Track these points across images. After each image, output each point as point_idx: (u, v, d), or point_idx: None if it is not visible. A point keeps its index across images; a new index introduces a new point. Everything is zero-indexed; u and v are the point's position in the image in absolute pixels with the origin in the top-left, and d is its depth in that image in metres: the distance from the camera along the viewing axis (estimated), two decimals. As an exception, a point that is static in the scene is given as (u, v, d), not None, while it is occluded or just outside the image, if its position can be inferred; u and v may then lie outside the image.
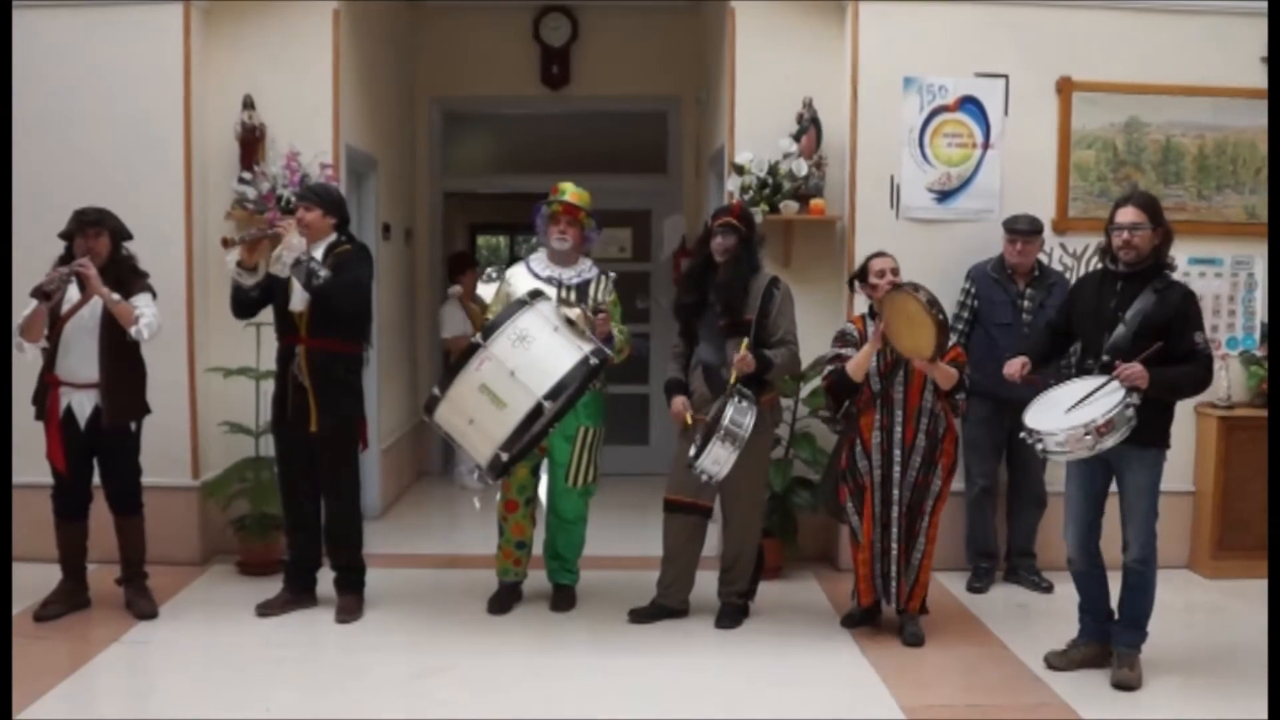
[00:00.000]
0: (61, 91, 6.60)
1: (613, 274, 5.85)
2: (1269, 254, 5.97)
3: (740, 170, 6.50)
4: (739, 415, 5.19)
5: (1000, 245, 6.25)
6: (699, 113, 9.01)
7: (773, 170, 6.47)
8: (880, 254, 5.50)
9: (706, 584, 5.85)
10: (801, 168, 6.44)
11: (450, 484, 9.30)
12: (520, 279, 5.79)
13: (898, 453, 5.31)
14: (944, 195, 6.53)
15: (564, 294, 5.68)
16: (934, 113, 6.51)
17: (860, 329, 5.43)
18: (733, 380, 5.34)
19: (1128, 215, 4.82)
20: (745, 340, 5.40)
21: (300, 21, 6.80)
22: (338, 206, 5.73)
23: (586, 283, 5.80)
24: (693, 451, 5.31)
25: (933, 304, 4.97)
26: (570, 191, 5.79)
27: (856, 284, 5.64)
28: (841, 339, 5.49)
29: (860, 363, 5.30)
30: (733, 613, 5.68)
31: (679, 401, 5.66)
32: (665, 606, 5.77)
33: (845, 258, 6.56)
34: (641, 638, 5.54)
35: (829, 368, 5.47)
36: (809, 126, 6.54)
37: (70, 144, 6.57)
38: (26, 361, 5.64)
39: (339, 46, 6.83)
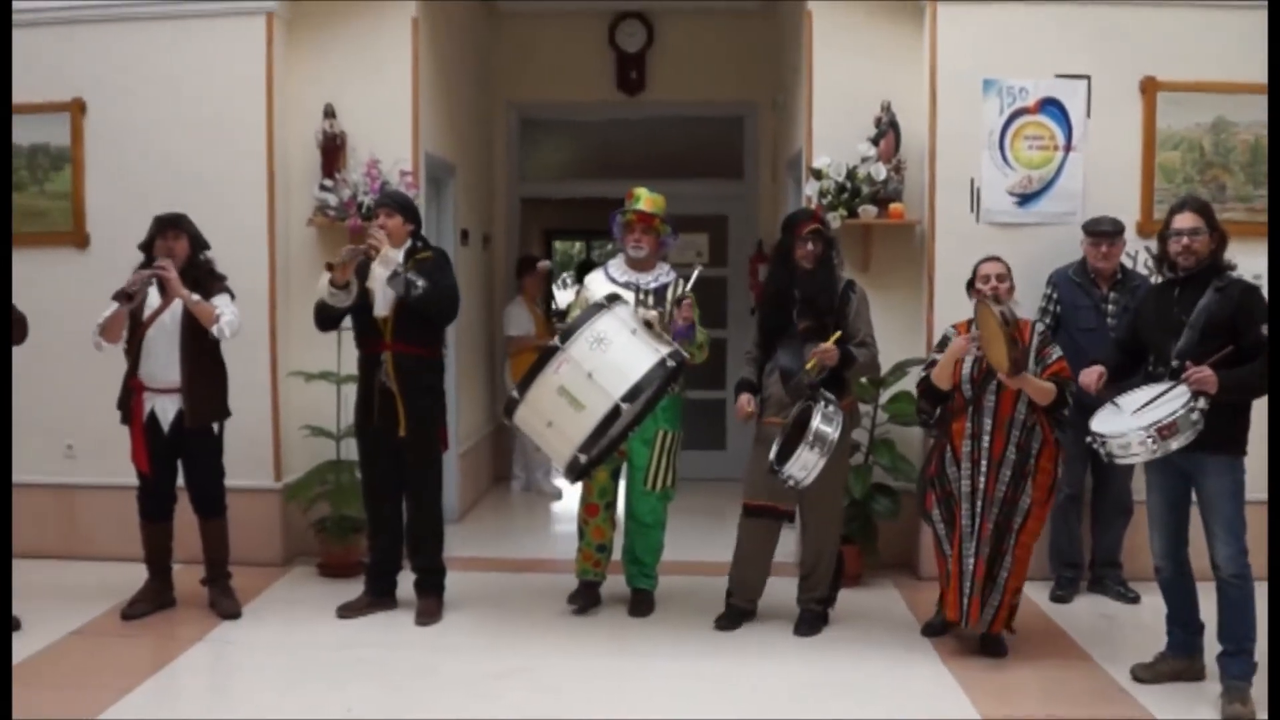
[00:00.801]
0: (151, 101, 6.75)
1: (698, 268, 5.82)
2: (1269, 254, 5.84)
3: (818, 175, 6.47)
4: (827, 421, 5.16)
5: (1082, 249, 6.16)
6: (775, 117, 8.98)
7: (851, 174, 6.42)
8: (991, 258, 5.40)
9: (784, 590, 5.82)
10: (880, 172, 6.40)
11: (523, 489, 9.35)
12: (598, 284, 5.81)
13: (985, 463, 5.17)
14: (1025, 198, 6.44)
15: (642, 298, 5.69)
16: (1014, 115, 6.43)
17: (963, 334, 5.35)
18: (809, 367, 5.31)
19: (1186, 221, 4.76)
20: (836, 334, 5.38)
21: (380, 30, 6.88)
22: (415, 214, 5.80)
23: (664, 287, 5.80)
24: (772, 454, 5.29)
25: (1007, 320, 4.89)
26: (645, 198, 5.80)
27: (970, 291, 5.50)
28: (942, 347, 5.39)
29: (942, 369, 5.22)
30: (812, 620, 5.64)
31: (745, 399, 5.65)
32: (737, 607, 5.77)
33: (925, 262, 6.50)
34: (719, 643, 5.52)
35: (923, 372, 5.39)
36: (887, 130, 6.49)
37: (160, 153, 6.72)
38: (105, 360, 5.75)
39: (418, 54, 6.90)
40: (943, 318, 6.10)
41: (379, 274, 5.48)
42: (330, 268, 5.50)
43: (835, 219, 6.36)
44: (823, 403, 5.24)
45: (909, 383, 6.31)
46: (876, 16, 6.69)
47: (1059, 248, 6.31)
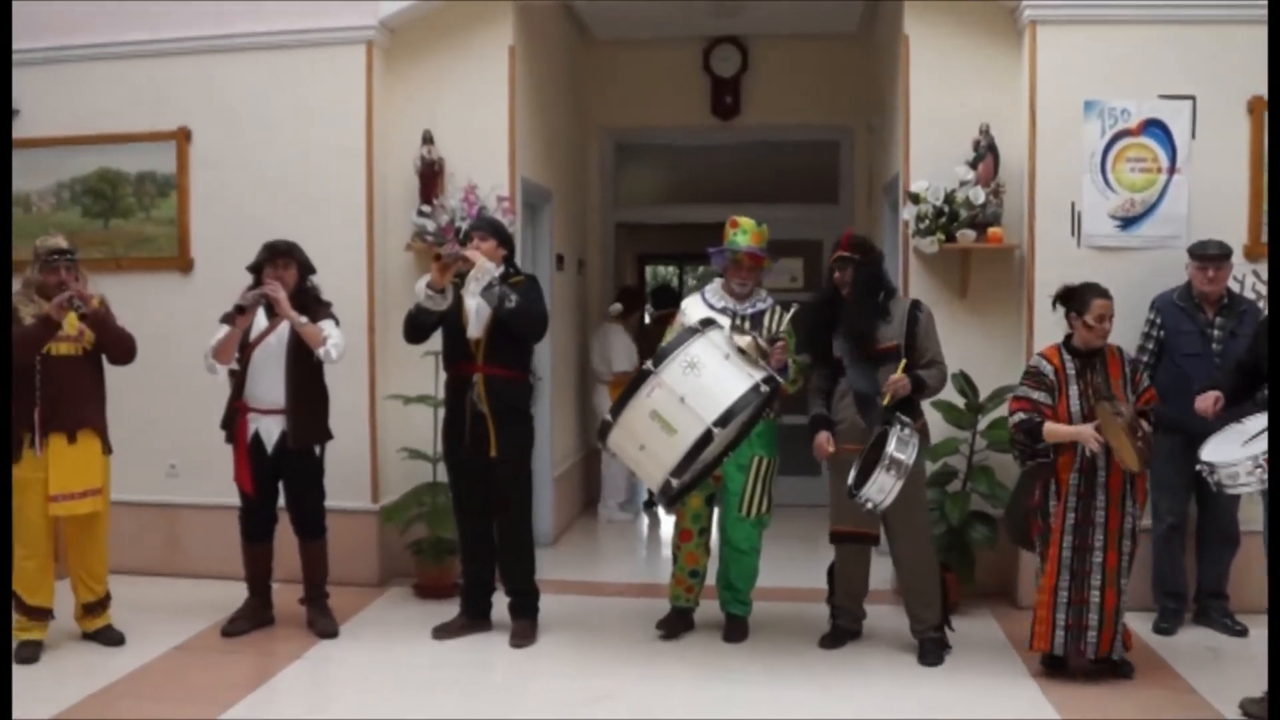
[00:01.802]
0: (254, 129, 6.92)
1: (795, 306, 5.81)
2: (1269, 254, 5.68)
3: (915, 199, 6.41)
4: (902, 445, 5.15)
5: (1187, 273, 6.03)
6: (871, 141, 8.94)
7: (949, 198, 6.36)
8: (1102, 294, 5.18)
9: (886, 616, 5.77)
10: (979, 195, 6.32)
11: (596, 517, 9.35)
12: (695, 309, 5.80)
13: (1102, 496, 5.07)
14: (1127, 222, 6.33)
15: (738, 324, 5.67)
16: (1116, 137, 6.32)
17: (1056, 364, 5.19)
18: (886, 402, 5.31)
19: None
20: (902, 363, 5.38)
21: (477, 59, 6.97)
22: (508, 240, 5.85)
23: (760, 313, 5.78)
24: (851, 479, 5.27)
25: (1133, 428, 4.79)
26: (751, 233, 5.77)
27: (1059, 306, 5.33)
28: (1036, 380, 5.22)
29: (1059, 435, 5.08)
30: (933, 648, 5.55)
31: (824, 437, 5.64)
32: (841, 628, 5.78)
33: (1024, 286, 6.41)
34: (814, 670, 5.46)
35: (1020, 415, 5.20)
36: (986, 153, 6.42)
37: (262, 179, 6.89)
38: (209, 382, 5.86)
39: (514, 81, 6.97)
40: (1043, 343, 6.01)
41: (474, 290, 5.53)
42: (438, 258, 5.55)
43: (932, 243, 6.30)
44: (898, 426, 5.22)
45: (1008, 409, 6.26)
46: (974, 39, 6.62)
47: (1162, 272, 6.18)
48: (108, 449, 5.68)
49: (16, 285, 5.69)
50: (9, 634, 2.94)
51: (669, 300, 9.49)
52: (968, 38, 6.63)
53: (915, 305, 5.61)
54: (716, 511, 5.97)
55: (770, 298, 5.89)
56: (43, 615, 5.58)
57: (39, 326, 5.36)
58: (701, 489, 5.67)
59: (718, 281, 5.93)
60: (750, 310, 5.79)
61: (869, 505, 5.21)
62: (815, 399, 5.75)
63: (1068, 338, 5.29)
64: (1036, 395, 5.18)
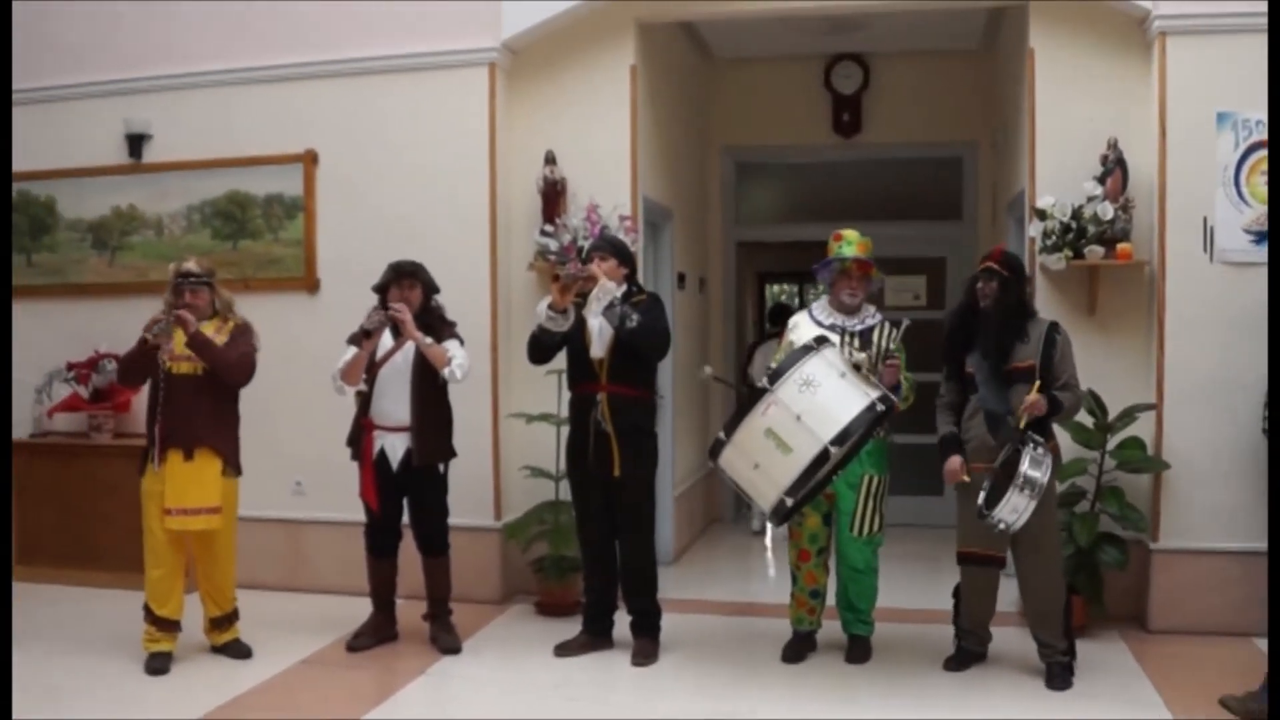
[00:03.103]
0: (378, 151, 7.06)
1: (906, 321, 5.75)
2: (1269, 254, 5.43)
3: (1042, 215, 6.30)
4: (1035, 464, 5.07)
5: (1326, 288, 5.84)
6: (995, 156, 8.81)
7: (1076, 214, 6.24)
8: None
9: (1011, 638, 5.69)
10: (1107, 211, 6.19)
11: (740, 530, 9.32)
12: (804, 327, 5.76)
13: None
14: (1262, 236, 6.14)
15: (848, 340, 5.63)
16: (1250, 149, 6.14)
17: None
18: (1022, 425, 5.22)
19: None
20: (1037, 383, 5.29)
21: (599, 79, 7.02)
22: (629, 258, 5.87)
23: (870, 329, 5.72)
24: (981, 499, 5.19)
25: None
26: (856, 243, 5.72)
27: None
28: None
29: None
30: (1062, 672, 5.42)
31: (955, 461, 5.55)
32: (967, 650, 5.69)
33: (1154, 303, 6.25)
34: (939, 692, 5.38)
35: None
36: (1114, 168, 6.28)
37: (386, 200, 7.02)
38: (333, 400, 5.99)
39: (636, 101, 7.01)
40: (1174, 361, 5.88)
41: (596, 310, 5.56)
42: (557, 278, 5.60)
43: (1059, 260, 6.19)
44: (1031, 445, 5.13)
45: (1138, 428, 6.15)
46: (1102, 51, 6.48)
47: (1300, 288, 6.00)
48: (235, 470, 5.79)
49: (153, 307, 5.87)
50: (9, 636, 3.01)
51: (785, 318, 9.41)
52: (1095, 50, 6.49)
53: (1054, 327, 5.50)
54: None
55: (879, 314, 5.83)
56: (171, 627, 5.74)
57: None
58: (816, 507, 5.64)
59: (825, 299, 5.88)
60: (859, 326, 5.72)
61: (1001, 526, 5.13)
62: (945, 416, 5.67)
63: None
64: None
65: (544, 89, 7.10)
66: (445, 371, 5.73)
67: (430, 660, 5.85)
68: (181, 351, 5.62)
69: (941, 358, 5.74)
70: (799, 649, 5.90)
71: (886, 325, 5.75)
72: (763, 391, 5.02)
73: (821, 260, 5.81)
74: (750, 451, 5.04)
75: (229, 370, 5.68)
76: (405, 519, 6.05)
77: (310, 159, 7.16)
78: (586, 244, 6.44)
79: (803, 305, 15.84)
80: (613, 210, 6.75)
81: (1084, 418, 6.04)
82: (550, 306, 5.59)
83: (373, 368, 5.82)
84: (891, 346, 5.62)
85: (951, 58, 9.16)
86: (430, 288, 5.95)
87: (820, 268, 5.80)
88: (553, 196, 6.87)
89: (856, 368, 5.18)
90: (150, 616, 5.69)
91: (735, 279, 10.19)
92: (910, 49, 9.17)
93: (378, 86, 7.06)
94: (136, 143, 7.42)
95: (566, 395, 5.97)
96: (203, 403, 5.67)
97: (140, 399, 6.35)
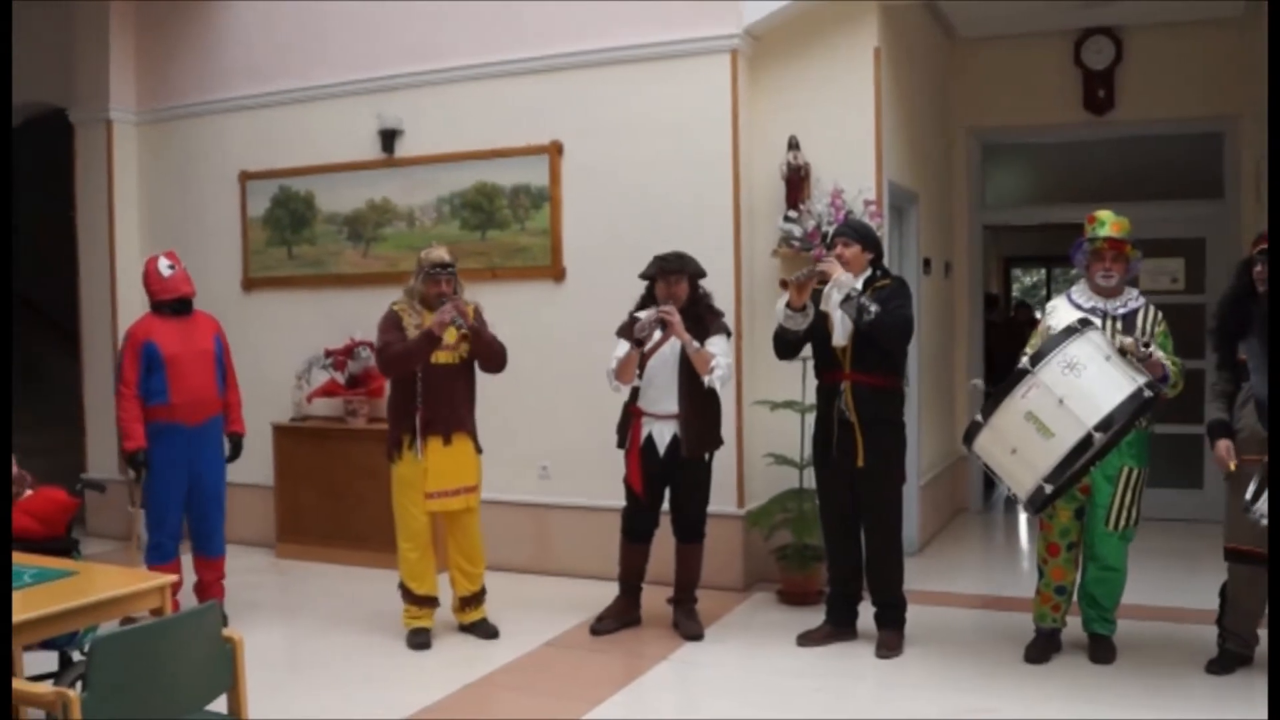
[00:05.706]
0: (622, 140, 7.13)
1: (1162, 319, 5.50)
2: (1269, 253, 4.82)
3: (1316, 192, 5.93)
4: None
5: None
6: (1260, 131, 8.32)
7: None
8: None
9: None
10: (1391, 187, 5.78)
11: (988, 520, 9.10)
12: (1062, 311, 5.55)
13: None
14: None
15: (1110, 324, 5.40)
16: None
17: None
18: None
19: None
20: None
21: (842, 62, 6.93)
22: (875, 243, 5.78)
23: (1133, 313, 5.48)
24: (1249, 493, 4.88)
25: None
26: (1110, 222, 5.49)
27: None
28: None
29: None
30: None
31: (1223, 446, 5.25)
32: (1230, 652, 5.38)
33: None
34: (1196, 695, 5.09)
35: None
36: (1401, 140, 5.86)
37: (630, 189, 7.09)
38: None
39: (880, 84, 6.89)
40: None
41: (834, 300, 5.49)
42: (784, 285, 5.57)
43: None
44: None
45: None
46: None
47: None
48: (478, 449, 6.02)
49: (398, 295, 6.10)
50: (9, 637, 3.09)
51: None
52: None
53: None
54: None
55: (1142, 297, 5.57)
56: (429, 603, 6.01)
57: (423, 340, 5.74)
58: (1069, 501, 5.43)
59: (1083, 282, 5.65)
60: (1122, 310, 5.48)
61: (1264, 521, 4.84)
62: (1217, 403, 5.39)
63: None
64: None
65: (786, 74, 7.04)
66: (706, 380, 5.76)
67: (673, 646, 5.89)
68: (448, 341, 5.83)
69: (1212, 345, 5.46)
70: (1044, 648, 5.68)
71: (1151, 308, 5.50)
72: (1022, 373, 4.86)
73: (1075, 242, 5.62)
74: (1008, 436, 4.89)
75: (498, 358, 5.95)
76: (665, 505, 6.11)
77: (556, 149, 7.28)
78: (831, 229, 6.37)
79: (1049, 291, 15.42)
80: (857, 195, 6.65)
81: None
82: (788, 305, 5.55)
83: (643, 359, 5.89)
84: (1157, 330, 5.38)
85: (1210, 27, 8.68)
86: (697, 276, 5.98)
87: (1074, 250, 5.62)
88: (796, 182, 6.82)
89: (1123, 352, 4.97)
90: (409, 595, 5.95)
91: (981, 263, 9.92)
92: (1166, 20, 8.73)
93: (621, 76, 7.13)
94: (389, 138, 7.71)
95: (812, 382, 5.91)
96: (460, 389, 5.93)
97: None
